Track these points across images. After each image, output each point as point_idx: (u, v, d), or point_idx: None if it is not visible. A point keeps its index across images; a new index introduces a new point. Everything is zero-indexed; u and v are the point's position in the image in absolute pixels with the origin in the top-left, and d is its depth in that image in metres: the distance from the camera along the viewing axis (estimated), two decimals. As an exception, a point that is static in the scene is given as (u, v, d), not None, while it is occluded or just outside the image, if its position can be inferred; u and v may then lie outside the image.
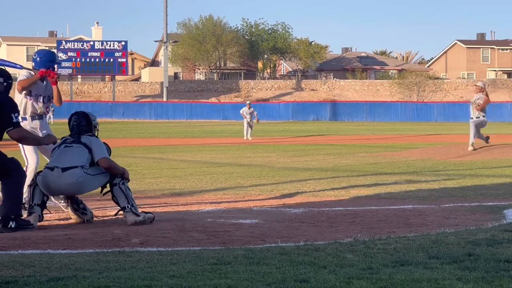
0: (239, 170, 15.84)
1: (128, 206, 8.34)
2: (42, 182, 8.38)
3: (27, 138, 8.47)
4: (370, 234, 7.36)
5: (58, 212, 9.42)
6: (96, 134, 8.83)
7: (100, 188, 8.56)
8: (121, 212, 8.50)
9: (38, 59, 9.63)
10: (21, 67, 10.28)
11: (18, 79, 9.60)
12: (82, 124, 8.74)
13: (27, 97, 9.54)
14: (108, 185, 8.50)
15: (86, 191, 8.58)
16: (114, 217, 8.65)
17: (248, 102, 36.60)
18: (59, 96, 9.79)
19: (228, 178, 13.93)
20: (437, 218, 8.64)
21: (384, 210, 9.45)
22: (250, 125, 33.40)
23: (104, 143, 8.70)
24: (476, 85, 21.25)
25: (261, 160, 18.98)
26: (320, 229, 7.91)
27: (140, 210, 8.57)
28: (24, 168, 9.45)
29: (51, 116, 54.02)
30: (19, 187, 8.09)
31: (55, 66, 9.83)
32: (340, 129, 46.55)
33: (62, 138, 8.83)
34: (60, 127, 55.59)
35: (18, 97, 9.56)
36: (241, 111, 34.81)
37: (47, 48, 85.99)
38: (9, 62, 10.10)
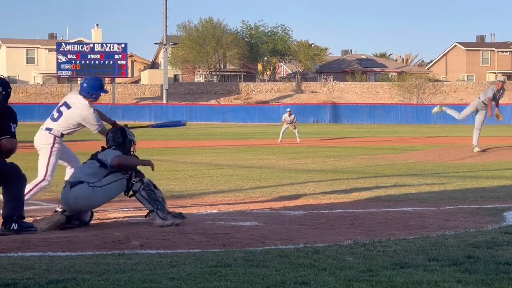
0: (239, 172, 15.83)
1: (154, 210, 8.41)
2: (62, 198, 8.62)
3: (13, 150, 8.25)
4: (370, 236, 7.36)
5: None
6: (132, 151, 8.92)
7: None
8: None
9: (85, 85, 9.55)
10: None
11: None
12: (117, 137, 8.92)
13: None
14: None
15: (97, 205, 8.58)
16: (146, 218, 8.60)
17: (288, 109, 36.41)
18: None
19: (228, 180, 13.92)
20: (437, 221, 8.64)
21: (384, 212, 9.45)
22: (292, 128, 33.34)
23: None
24: (499, 81, 20.99)
25: (261, 162, 18.97)
26: (320, 232, 7.91)
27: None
28: (37, 180, 9.43)
29: None
30: (20, 190, 8.08)
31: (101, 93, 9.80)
32: (340, 131, 46.54)
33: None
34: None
35: (90, 114, 9.49)
36: (282, 118, 34.63)
37: (47, 49, 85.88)
38: (167, 123, 10.01)
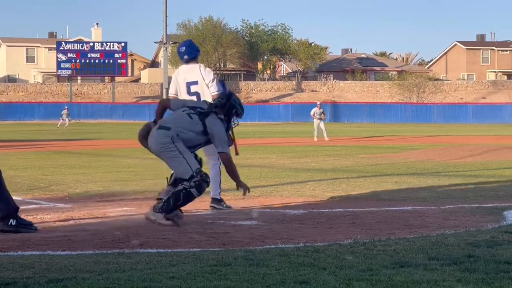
0: (239, 171, 15.76)
1: (162, 202, 8.17)
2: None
3: None
4: (370, 235, 7.36)
5: (58, 212, 9.41)
6: (232, 122, 8.56)
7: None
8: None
9: (185, 49, 9.46)
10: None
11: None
12: (222, 98, 8.51)
13: None
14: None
15: (165, 160, 8.43)
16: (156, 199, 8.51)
17: (318, 102, 36.83)
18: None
19: (228, 179, 13.87)
20: (437, 220, 8.64)
21: (384, 211, 9.45)
22: (321, 125, 33.47)
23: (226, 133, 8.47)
24: None
25: (261, 161, 18.97)
26: (320, 231, 7.91)
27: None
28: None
29: (66, 120, 54.43)
30: (3, 184, 8.01)
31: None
32: (340, 131, 46.53)
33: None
34: (76, 128, 55.72)
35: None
36: (311, 112, 34.76)
37: (47, 48, 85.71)
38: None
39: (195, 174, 8.17)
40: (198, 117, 8.29)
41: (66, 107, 58.14)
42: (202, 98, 9.26)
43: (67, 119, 54.79)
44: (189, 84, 9.42)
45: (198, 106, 8.46)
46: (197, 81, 9.39)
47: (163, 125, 8.33)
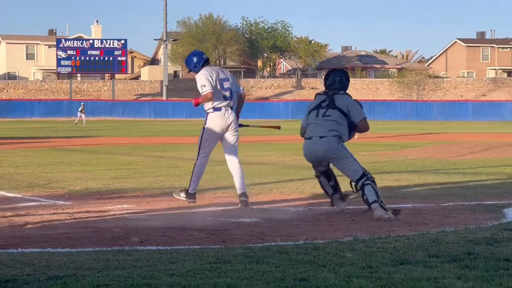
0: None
1: (377, 201, 8.63)
2: (305, 152, 9.15)
3: None
4: (370, 233, 7.36)
5: (58, 209, 9.41)
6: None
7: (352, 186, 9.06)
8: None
9: (195, 59, 9.87)
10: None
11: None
12: (343, 81, 9.30)
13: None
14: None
15: (339, 161, 9.07)
16: (364, 212, 8.86)
17: None
18: None
19: (228, 176, 13.85)
20: (436, 217, 8.64)
21: (384, 209, 9.43)
22: None
23: (355, 101, 9.17)
24: None
25: (261, 158, 18.96)
26: (320, 228, 7.92)
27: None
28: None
29: (80, 115, 54.42)
30: None
31: None
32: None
33: (317, 94, 9.40)
34: (92, 125, 55.58)
35: None
36: None
37: (46, 45, 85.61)
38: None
39: (366, 171, 8.97)
40: (327, 107, 9.03)
41: (82, 103, 58.27)
42: (234, 94, 9.96)
43: (83, 115, 54.77)
44: (222, 81, 9.90)
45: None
46: (228, 78, 9.95)
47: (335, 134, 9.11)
